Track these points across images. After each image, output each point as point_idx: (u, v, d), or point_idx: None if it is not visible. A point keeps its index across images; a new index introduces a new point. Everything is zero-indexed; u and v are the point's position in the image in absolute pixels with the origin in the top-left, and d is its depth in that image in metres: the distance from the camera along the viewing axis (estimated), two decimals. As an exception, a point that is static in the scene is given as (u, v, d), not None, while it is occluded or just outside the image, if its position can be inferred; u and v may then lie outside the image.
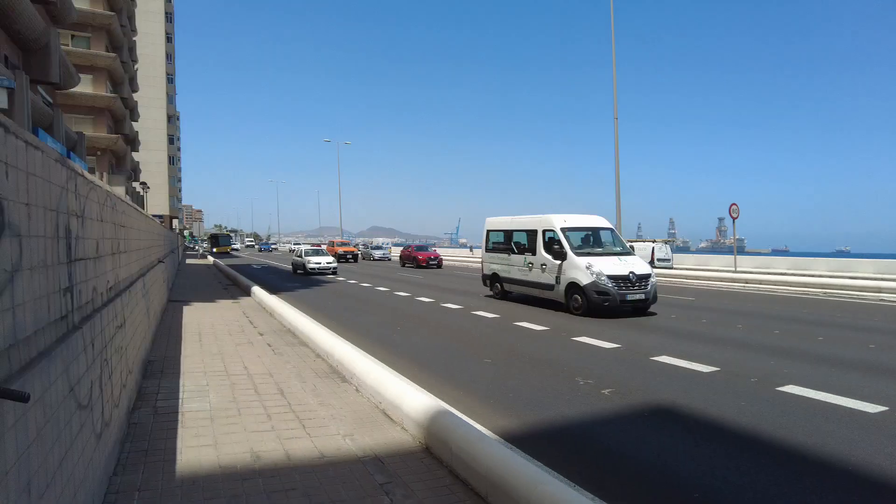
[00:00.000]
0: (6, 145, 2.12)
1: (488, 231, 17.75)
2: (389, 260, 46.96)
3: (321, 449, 4.56)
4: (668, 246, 37.87)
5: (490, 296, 17.62)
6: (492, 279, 17.35)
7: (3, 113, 20.15)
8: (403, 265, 38.33)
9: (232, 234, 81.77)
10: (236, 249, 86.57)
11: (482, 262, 17.84)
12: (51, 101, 28.24)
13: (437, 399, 5.34)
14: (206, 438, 4.68)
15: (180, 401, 5.78)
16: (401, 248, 43.32)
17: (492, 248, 17.54)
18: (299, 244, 50.03)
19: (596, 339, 10.19)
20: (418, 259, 36.55)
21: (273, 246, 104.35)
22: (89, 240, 3.88)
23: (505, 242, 16.90)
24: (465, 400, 6.31)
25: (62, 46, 27.76)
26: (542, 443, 5.07)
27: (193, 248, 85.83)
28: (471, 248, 61.81)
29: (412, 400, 5.18)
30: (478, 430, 4.52)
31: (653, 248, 35.90)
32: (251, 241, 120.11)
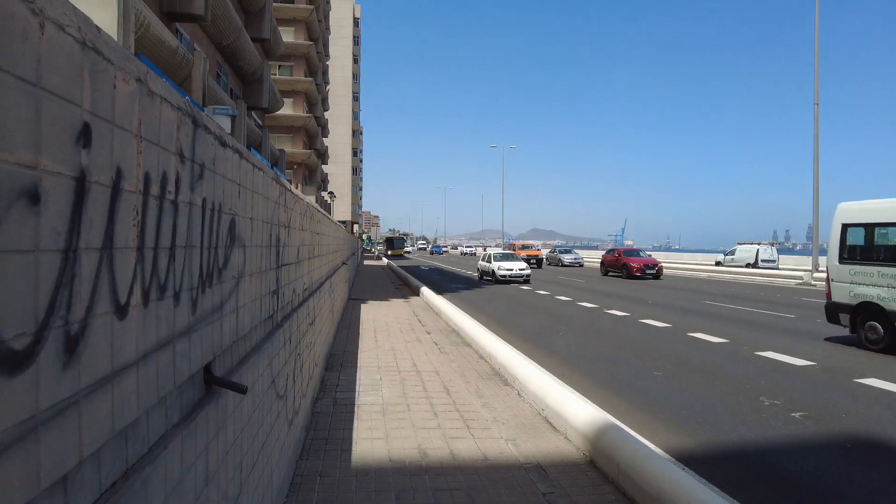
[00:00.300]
0: (240, 169, 2.56)
1: (845, 226, 10.34)
2: (581, 265, 42.02)
3: (484, 451, 4.69)
4: (773, 248, 36.67)
5: (853, 343, 10.25)
6: (856, 312, 9.92)
7: (225, 137, 24.45)
8: (606, 273, 31.73)
9: (405, 238, 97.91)
10: (409, 252, 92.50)
11: (829, 280, 10.61)
12: (260, 123, 32.91)
13: (604, 411, 5.17)
14: (378, 431, 5.10)
15: (356, 393, 6.37)
16: (602, 253, 37.55)
17: (856, 255, 10.16)
18: (487, 248, 45.27)
19: (786, 356, 9.03)
20: (631, 267, 28.81)
21: (444, 249, 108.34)
22: (292, 247, 4.47)
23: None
24: (630, 412, 6.03)
25: (271, 76, 32.26)
26: (718, 467, 4.65)
27: (370, 250, 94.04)
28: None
29: (578, 410, 5.10)
30: (649, 448, 4.31)
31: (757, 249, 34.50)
32: (423, 244, 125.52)
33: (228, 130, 21.42)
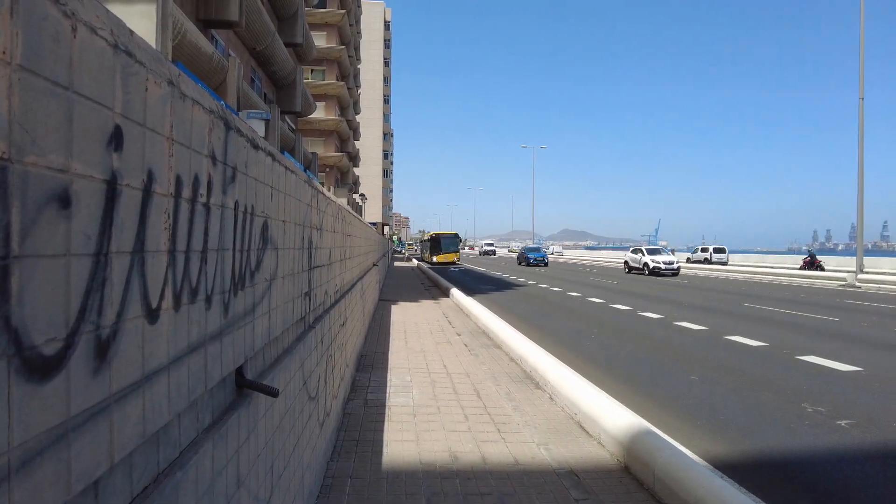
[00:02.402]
0: (273, 171, 2.57)
1: None
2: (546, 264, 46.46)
3: (515, 455, 4.63)
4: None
5: None
6: None
7: (259, 140, 25.07)
8: (629, 271, 33.75)
9: (457, 237, 54.21)
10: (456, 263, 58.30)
11: None
12: (293, 126, 33.44)
13: (639, 417, 5.05)
14: (408, 434, 5.08)
15: (387, 395, 6.37)
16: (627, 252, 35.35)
17: None
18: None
19: (830, 360, 8.68)
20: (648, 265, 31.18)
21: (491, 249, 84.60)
22: (324, 249, 4.49)
23: None
24: (665, 418, 5.86)
25: (303, 80, 32.76)
26: (758, 477, 4.48)
27: (401, 252, 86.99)
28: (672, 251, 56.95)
29: (612, 415, 4.99)
30: (686, 455, 4.18)
31: None
32: (492, 245, 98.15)
33: (262, 135, 21.84)
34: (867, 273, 25.25)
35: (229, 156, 1.93)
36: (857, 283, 24.29)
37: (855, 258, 26.68)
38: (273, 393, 2.13)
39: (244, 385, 2.09)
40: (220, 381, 1.86)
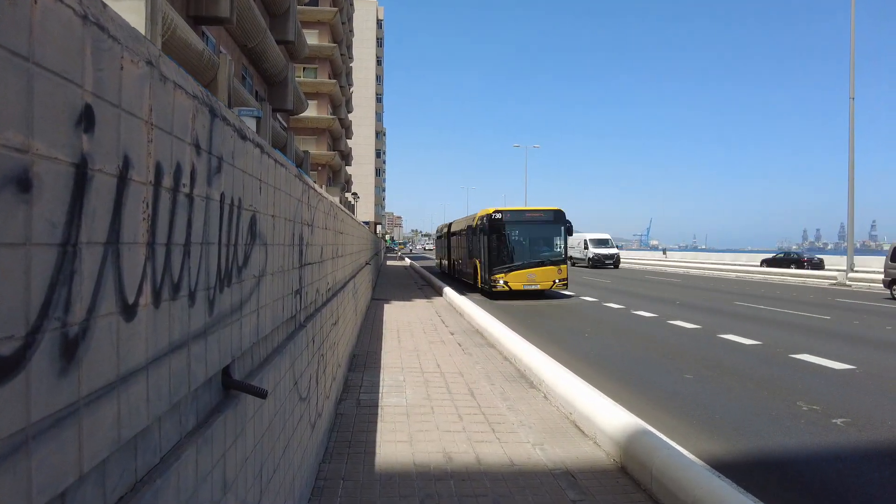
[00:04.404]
0: (262, 163, 2.47)
1: None
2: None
3: (511, 456, 4.55)
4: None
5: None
6: None
7: (250, 138, 24.86)
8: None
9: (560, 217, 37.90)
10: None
11: None
12: (285, 125, 33.21)
13: (635, 416, 4.99)
14: (402, 434, 4.99)
15: (380, 395, 6.27)
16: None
17: None
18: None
19: (823, 359, 8.67)
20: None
21: None
22: (315, 246, 4.39)
23: None
24: (662, 417, 5.81)
25: (295, 78, 32.54)
26: (755, 475, 4.43)
27: (395, 251, 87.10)
28: (664, 251, 56.32)
29: (607, 414, 4.92)
30: (683, 455, 4.12)
31: None
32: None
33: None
34: (857, 272, 25.39)
35: (214, 145, 1.83)
36: (848, 282, 24.43)
37: (845, 257, 26.82)
38: (261, 394, 2.04)
39: (231, 386, 2.00)
40: (206, 381, 1.77)
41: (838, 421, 5.81)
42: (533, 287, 18.59)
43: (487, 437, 4.99)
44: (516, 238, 19.00)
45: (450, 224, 29.41)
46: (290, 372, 3.04)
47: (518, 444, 4.83)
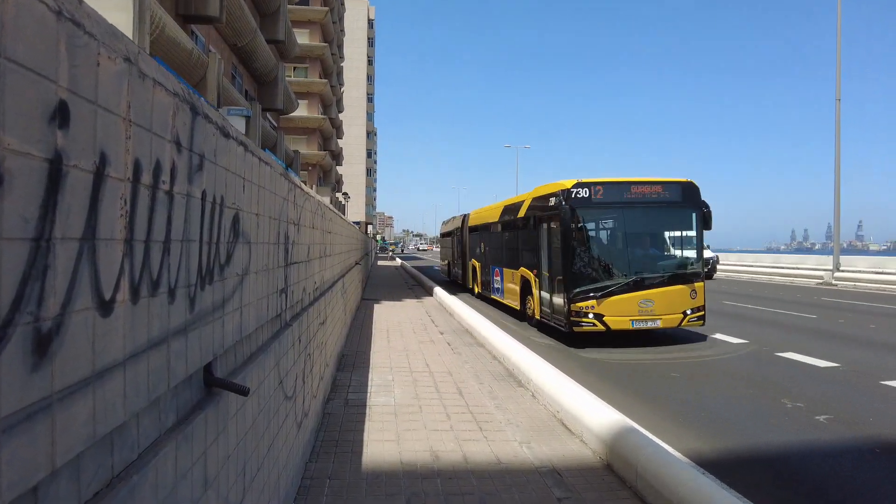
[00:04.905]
0: (245, 162, 2.47)
1: None
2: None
3: (498, 454, 4.57)
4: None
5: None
6: None
7: (240, 137, 24.49)
8: None
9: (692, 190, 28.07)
10: None
11: None
12: (275, 124, 33.08)
13: (622, 414, 5.02)
14: (389, 433, 5.00)
15: (368, 394, 6.27)
16: None
17: None
18: None
19: (808, 357, 8.78)
20: None
21: None
22: (302, 245, 4.38)
23: None
24: (648, 416, 5.85)
25: (286, 77, 32.43)
26: (741, 472, 4.48)
27: (386, 251, 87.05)
28: None
29: (594, 413, 4.95)
30: (669, 453, 4.16)
31: None
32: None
33: (243, 132, 21.58)
34: (843, 271, 25.68)
35: (196, 142, 1.83)
36: (834, 281, 24.71)
37: (832, 257, 27.13)
38: (243, 391, 2.04)
39: (213, 383, 2.00)
40: (186, 378, 1.77)
41: (822, 418, 5.89)
42: (649, 324, 10.07)
43: (475, 435, 5.00)
44: (617, 233, 10.82)
45: (465, 216, 21.09)
46: (275, 370, 3.04)
47: (505, 442, 4.85)
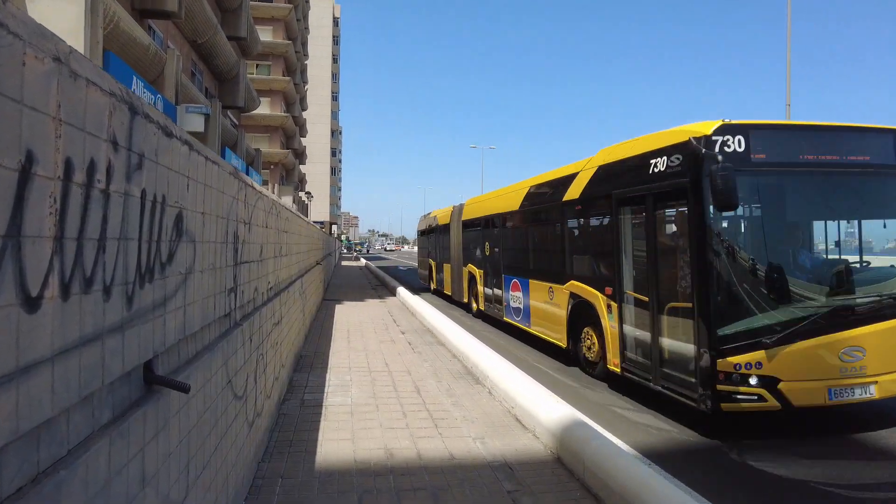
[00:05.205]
0: (190, 161, 2.47)
1: None
2: None
3: (451, 450, 4.65)
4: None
5: None
6: None
7: (199, 136, 23.45)
8: None
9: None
10: None
11: None
12: (236, 122, 32.46)
13: (574, 409, 5.12)
14: (344, 433, 5.02)
15: (325, 394, 6.27)
16: None
17: None
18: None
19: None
20: None
21: None
22: (254, 244, 4.37)
23: None
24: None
25: (248, 75, 31.84)
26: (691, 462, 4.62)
27: (350, 251, 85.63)
28: None
29: (546, 408, 5.08)
30: (615, 445, 4.31)
31: None
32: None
33: (202, 129, 21.07)
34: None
35: (135, 142, 1.84)
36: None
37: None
38: (184, 389, 2.05)
39: (153, 381, 2.01)
40: (124, 375, 1.78)
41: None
42: (857, 394, 5.34)
43: (430, 432, 5.07)
44: (800, 222, 6.45)
45: (458, 207, 15.70)
46: (223, 369, 3.04)
47: (460, 438, 4.94)
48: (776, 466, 4.78)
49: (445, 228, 17.23)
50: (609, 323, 7.09)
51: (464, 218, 14.96)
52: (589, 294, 7.72)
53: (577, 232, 8.49)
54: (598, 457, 4.05)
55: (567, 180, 8.58)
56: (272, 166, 43.70)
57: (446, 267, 17.22)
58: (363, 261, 52.60)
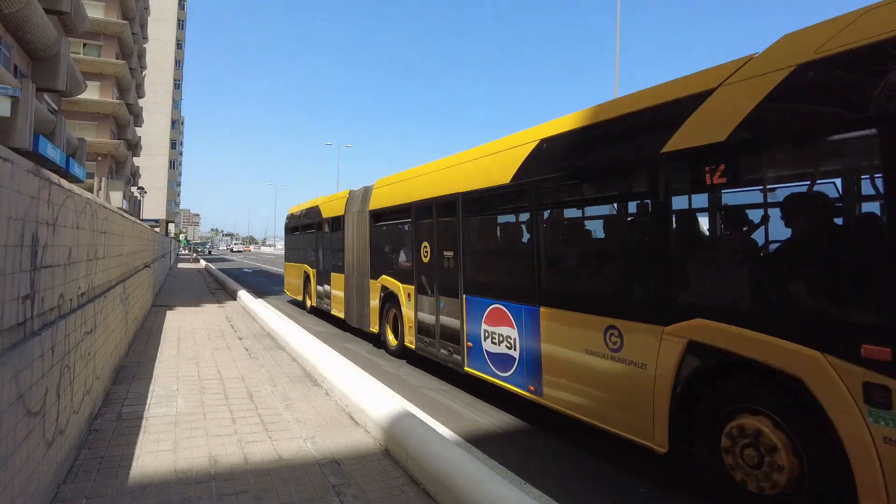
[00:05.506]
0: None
1: None
2: None
3: (280, 452, 4.71)
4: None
5: None
6: None
7: (5, 121, 20.23)
8: None
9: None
10: None
11: None
12: (55, 108, 28.54)
13: (404, 402, 5.38)
14: (166, 444, 4.83)
15: (147, 406, 5.92)
16: None
17: None
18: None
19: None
20: None
21: None
22: (61, 247, 4.06)
23: None
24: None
25: (72, 54, 28.13)
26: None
27: (189, 252, 76.62)
28: None
29: (377, 403, 5.30)
30: (436, 432, 4.63)
31: None
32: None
33: (7, 114, 18.25)
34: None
35: None
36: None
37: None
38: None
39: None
40: None
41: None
42: None
43: (259, 437, 5.07)
44: None
45: (363, 190, 10.76)
46: (12, 383, 2.84)
47: (290, 440, 5.01)
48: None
49: (333, 224, 12.61)
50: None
51: (372, 208, 10.11)
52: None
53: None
54: (419, 444, 4.34)
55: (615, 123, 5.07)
56: (100, 158, 39.18)
57: (336, 278, 12.34)
58: (203, 262, 47.47)
